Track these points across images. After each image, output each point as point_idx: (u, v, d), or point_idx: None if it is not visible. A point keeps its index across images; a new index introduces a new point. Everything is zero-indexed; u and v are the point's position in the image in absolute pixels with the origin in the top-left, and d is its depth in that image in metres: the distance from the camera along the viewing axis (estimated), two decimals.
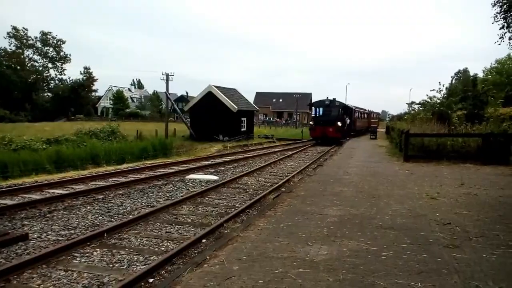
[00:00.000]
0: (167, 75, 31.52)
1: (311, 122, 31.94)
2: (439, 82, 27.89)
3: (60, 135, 22.68)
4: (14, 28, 67.29)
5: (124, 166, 16.71)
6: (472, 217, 7.16)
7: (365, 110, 49.76)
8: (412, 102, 34.92)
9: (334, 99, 30.55)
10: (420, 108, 30.08)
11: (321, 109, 30.33)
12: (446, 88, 28.66)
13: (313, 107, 31.66)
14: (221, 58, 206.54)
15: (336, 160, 17.35)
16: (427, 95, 28.51)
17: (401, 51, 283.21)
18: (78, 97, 71.10)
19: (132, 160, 20.24)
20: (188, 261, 5.47)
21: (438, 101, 27.60)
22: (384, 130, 43.65)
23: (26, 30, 68.55)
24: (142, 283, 5.06)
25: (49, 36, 70.90)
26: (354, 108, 38.46)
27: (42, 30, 70.94)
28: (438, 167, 14.04)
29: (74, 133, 24.01)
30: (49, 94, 72.79)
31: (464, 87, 26.81)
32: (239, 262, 4.84)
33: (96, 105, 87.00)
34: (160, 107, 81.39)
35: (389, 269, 4.69)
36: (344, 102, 32.80)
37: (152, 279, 5.20)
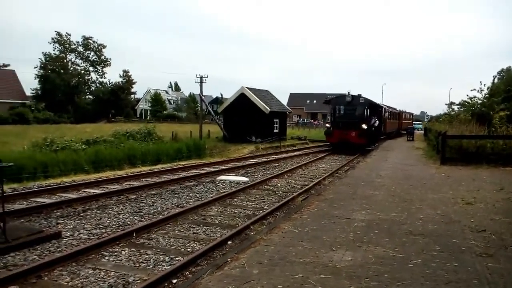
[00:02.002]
0: (201, 77, 31.99)
1: (327, 125, 25.97)
2: (480, 82, 26.63)
3: (99, 136, 23.45)
4: (58, 33, 70.32)
5: (158, 167, 17.09)
6: (509, 224, 6.79)
7: (395, 109, 43.50)
8: (452, 103, 33.33)
9: (359, 95, 24.43)
10: (460, 109, 28.82)
11: (341, 107, 24.65)
12: (488, 87, 27.14)
13: (331, 105, 25.83)
14: (254, 59, 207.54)
15: (370, 162, 16.96)
16: (467, 95, 27.36)
17: (442, 48, 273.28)
18: (117, 100, 73.34)
19: (167, 161, 20.66)
20: (211, 263, 5.50)
21: (479, 101, 26.42)
22: (422, 132, 42.19)
23: (69, 35, 71.48)
24: (166, 284, 5.14)
25: (90, 41, 73.54)
26: (384, 107, 32.61)
27: (84, 35, 73.75)
28: (476, 171, 13.43)
29: (112, 134, 24.75)
30: (90, 96, 75.43)
31: (507, 87, 25.40)
32: (260, 265, 4.82)
33: (135, 107, 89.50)
34: (196, 109, 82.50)
35: (415, 277, 4.52)
36: (372, 99, 25.80)
37: (176, 280, 5.27)
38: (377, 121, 26.41)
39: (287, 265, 4.85)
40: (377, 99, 34.63)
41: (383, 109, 31.21)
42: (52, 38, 69.60)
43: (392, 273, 4.62)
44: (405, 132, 41.59)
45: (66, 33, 71.01)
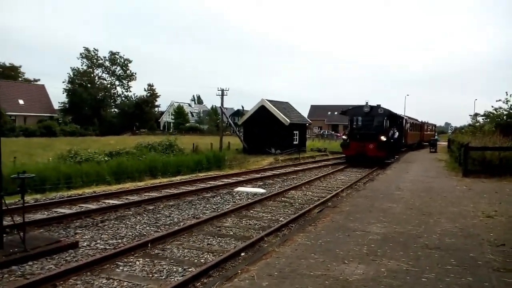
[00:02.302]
0: (222, 90, 32.39)
1: (344, 137, 24.66)
2: (506, 92, 25.85)
3: (122, 148, 23.97)
4: (86, 49, 72.80)
5: (178, 178, 17.27)
6: None
7: (417, 120, 42.28)
8: (476, 114, 32.46)
9: (379, 105, 23.36)
10: (484, 120, 28.02)
11: (359, 118, 23.48)
12: None
13: (348, 116, 24.74)
14: (277, 71, 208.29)
15: (390, 174, 16.69)
16: (492, 106, 26.62)
17: (469, 57, 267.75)
18: (142, 113, 74.92)
19: (187, 172, 20.89)
20: (222, 275, 5.50)
21: (505, 112, 25.66)
22: (446, 143, 41.21)
23: (97, 50, 73.85)
24: None
25: (117, 56, 75.73)
26: (405, 117, 31.61)
27: (111, 50, 76.06)
28: (500, 183, 13.04)
29: (134, 146, 25.25)
30: (115, 110, 77.36)
31: None
32: (270, 278, 4.80)
33: (159, 120, 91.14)
34: (218, 121, 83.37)
35: None
36: (391, 110, 24.67)
37: None
38: (397, 133, 25.15)
39: (297, 277, 4.81)
40: (400, 110, 33.95)
41: (404, 120, 30.17)
42: (81, 54, 72.09)
43: (404, 287, 4.52)
44: (427, 143, 40.65)
45: (94, 48, 73.42)
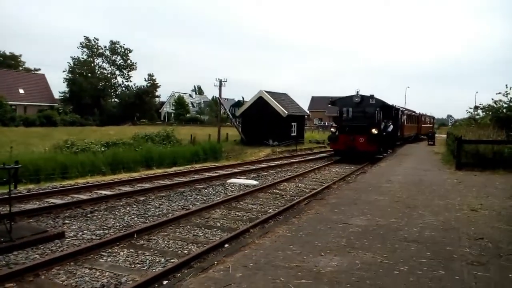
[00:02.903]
0: (220, 81, 32.41)
1: (332, 129, 22.28)
2: (506, 85, 25.67)
3: (118, 138, 24.10)
4: (86, 38, 72.60)
5: (172, 169, 17.39)
6: (510, 232, 6.63)
7: (414, 112, 40.58)
8: (476, 107, 32.19)
9: (372, 95, 21.20)
10: (483, 114, 27.92)
11: (349, 109, 21.37)
12: None
13: (337, 107, 22.64)
14: (280, 63, 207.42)
15: (383, 167, 16.75)
16: (492, 99, 26.48)
17: (471, 50, 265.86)
18: (142, 103, 74.92)
19: (183, 164, 21.02)
20: (199, 266, 5.60)
21: (505, 105, 25.56)
22: (446, 136, 41.06)
23: (97, 40, 73.66)
24: (156, 285, 5.27)
25: (117, 45, 75.54)
26: (401, 109, 29.55)
27: (111, 39, 75.80)
28: (491, 177, 13.09)
29: (131, 137, 25.36)
30: (116, 100, 77.35)
31: None
32: (244, 269, 4.89)
33: (160, 110, 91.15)
34: (223, 112, 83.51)
35: (397, 285, 4.49)
36: (384, 100, 22.42)
37: (166, 281, 5.39)
38: (391, 125, 23.47)
39: (271, 269, 4.90)
40: (401, 103, 33.07)
41: (400, 111, 28.48)
42: (81, 43, 71.97)
43: (374, 280, 4.61)
44: (424, 136, 40.15)
45: (94, 37, 73.23)
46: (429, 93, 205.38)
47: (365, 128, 20.10)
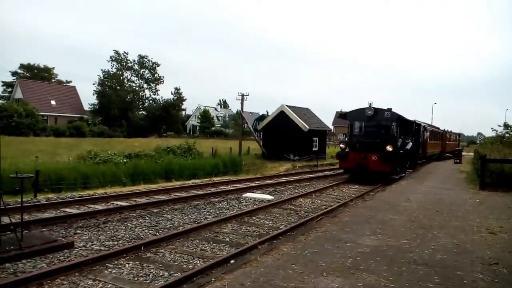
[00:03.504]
0: (242, 95, 32.73)
1: (341, 145, 20.36)
2: None
3: (141, 150, 24.54)
4: (116, 52, 74.99)
5: (190, 182, 17.50)
6: None
7: (438, 128, 37.79)
8: (506, 125, 31.00)
9: (390, 109, 18.87)
10: None
11: (360, 123, 19.33)
12: None
13: (348, 120, 20.21)
14: (305, 78, 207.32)
15: (403, 185, 16.33)
16: None
17: (504, 64, 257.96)
18: (169, 116, 76.35)
19: (202, 176, 21.15)
20: (199, 282, 5.55)
21: None
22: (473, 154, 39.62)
23: (127, 54, 75.89)
24: None
25: (145, 59, 77.60)
26: (423, 124, 27.00)
27: (139, 53, 78.00)
28: None
29: (153, 149, 25.78)
30: (143, 112, 79.18)
31: None
32: (241, 287, 4.81)
33: (186, 123, 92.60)
34: (243, 126, 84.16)
35: None
36: (402, 114, 19.96)
37: None
38: (410, 143, 20.94)
39: None
40: (427, 120, 31.26)
41: (422, 127, 26.04)
42: (111, 57, 74.26)
43: None
44: (449, 154, 38.42)
45: (124, 51, 75.46)
46: (458, 110, 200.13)
47: (378, 145, 17.85)
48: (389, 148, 17.59)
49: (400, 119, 19.35)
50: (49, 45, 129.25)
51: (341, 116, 20.87)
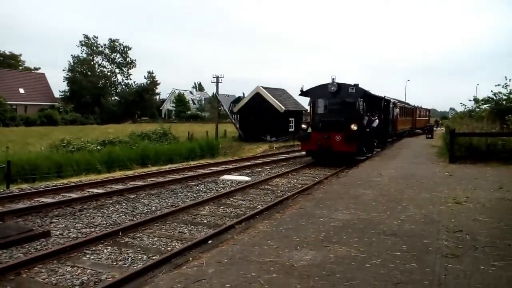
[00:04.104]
0: (217, 77, 32.51)
1: (303, 125, 18.45)
2: (505, 77, 25.46)
3: (115, 137, 24.23)
4: (86, 36, 72.79)
5: (167, 167, 17.49)
6: (490, 224, 6.66)
7: (409, 104, 36.49)
8: (476, 99, 31.85)
9: (356, 84, 17.27)
10: (482, 107, 27.66)
11: (322, 101, 17.58)
12: None
13: (310, 98, 18.55)
14: (282, 60, 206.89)
15: (377, 160, 16.76)
16: (491, 91, 26.28)
17: (478, 42, 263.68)
18: (142, 100, 75.13)
19: (179, 161, 21.14)
20: (177, 262, 5.67)
21: (504, 97, 25.40)
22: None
23: (96, 38, 73.83)
24: (134, 282, 5.34)
25: (116, 43, 75.70)
26: (393, 100, 25.39)
27: (110, 37, 76.07)
28: (483, 169, 13.09)
29: (128, 135, 25.48)
30: (116, 98, 77.61)
31: None
32: (218, 265, 4.96)
33: (161, 108, 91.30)
34: (219, 108, 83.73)
35: (366, 278, 4.55)
36: (367, 89, 18.43)
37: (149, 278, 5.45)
38: (377, 120, 19.69)
39: (244, 264, 4.97)
40: (401, 97, 31.11)
41: (392, 103, 24.58)
42: (80, 41, 72.16)
43: (345, 273, 4.67)
44: (419, 131, 38.59)
45: (94, 35, 73.33)
46: (431, 88, 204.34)
47: (342, 124, 16.48)
48: (353, 127, 16.25)
49: (366, 95, 18.05)
50: (13, 30, 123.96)
51: (302, 93, 18.62)
